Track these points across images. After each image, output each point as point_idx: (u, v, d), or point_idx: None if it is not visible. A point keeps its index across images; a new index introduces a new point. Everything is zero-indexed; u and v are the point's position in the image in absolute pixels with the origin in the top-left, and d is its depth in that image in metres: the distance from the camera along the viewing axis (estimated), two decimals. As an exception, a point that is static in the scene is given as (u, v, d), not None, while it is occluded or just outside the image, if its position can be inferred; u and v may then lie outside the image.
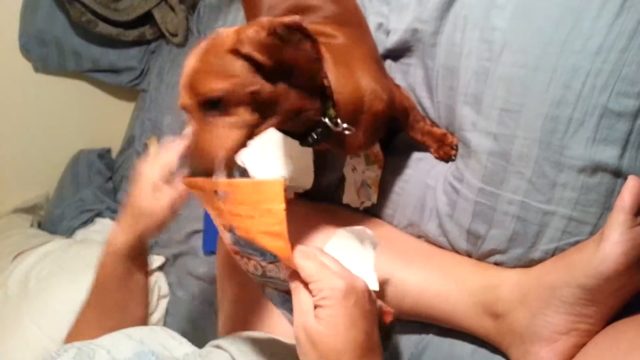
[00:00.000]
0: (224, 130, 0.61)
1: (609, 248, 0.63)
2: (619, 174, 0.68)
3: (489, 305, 0.77)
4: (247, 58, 0.59)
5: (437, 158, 0.92)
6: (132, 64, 2.10)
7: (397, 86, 0.91)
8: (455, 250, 0.88)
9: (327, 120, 0.71)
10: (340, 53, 0.74)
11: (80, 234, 1.84)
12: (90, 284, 0.84)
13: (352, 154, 0.98)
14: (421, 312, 0.85)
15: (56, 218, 1.96)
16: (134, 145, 2.07)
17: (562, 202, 0.72)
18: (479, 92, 0.81)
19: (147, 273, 0.89)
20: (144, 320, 0.88)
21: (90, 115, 2.21)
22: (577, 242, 0.72)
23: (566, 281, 0.68)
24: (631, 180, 0.65)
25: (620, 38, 0.67)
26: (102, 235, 1.78)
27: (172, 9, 1.84)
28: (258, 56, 0.59)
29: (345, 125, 0.72)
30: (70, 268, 1.43)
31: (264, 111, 0.63)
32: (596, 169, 0.69)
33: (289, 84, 0.64)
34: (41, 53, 1.95)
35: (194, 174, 0.62)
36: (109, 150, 2.28)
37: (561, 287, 0.68)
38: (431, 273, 0.85)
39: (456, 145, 0.88)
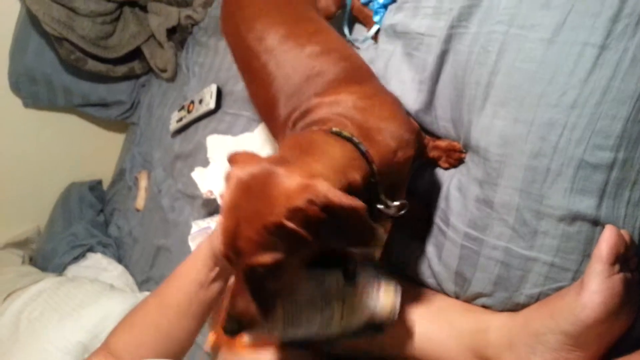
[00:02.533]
0: (269, 294, 0.61)
1: (588, 297, 0.65)
2: (597, 223, 0.71)
3: (479, 350, 0.79)
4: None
5: (447, 168, 0.92)
6: (122, 98, 2.11)
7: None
8: (444, 292, 0.90)
9: (381, 206, 0.70)
10: (368, 118, 0.73)
11: (71, 269, 1.83)
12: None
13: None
14: (410, 352, 0.86)
15: (48, 253, 1.95)
16: (124, 178, 2.08)
17: (543, 249, 0.74)
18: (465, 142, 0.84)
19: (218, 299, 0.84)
20: (191, 339, 0.83)
21: (81, 148, 2.22)
22: (560, 288, 0.74)
23: (550, 328, 0.69)
24: (607, 231, 0.67)
25: (594, 93, 0.70)
26: (93, 271, 1.78)
27: (161, 45, 1.87)
28: (303, 233, 0.56)
29: (397, 203, 0.71)
30: (61, 309, 1.43)
31: (316, 256, 0.63)
32: (575, 218, 0.71)
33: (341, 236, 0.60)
34: (31, 90, 1.97)
35: (227, 332, 0.62)
36: (100, 182, 2.28)
37: (545, 334, 0.70)
38: (422, 315, 0.86)
39: (464, 149, 0.89)
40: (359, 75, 0.83)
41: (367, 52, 1.07)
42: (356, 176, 0.64)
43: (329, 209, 0.56)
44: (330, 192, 0.56)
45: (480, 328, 0.80)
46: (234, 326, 0.61)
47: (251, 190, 0.58)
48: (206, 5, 1.79)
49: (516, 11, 0.79)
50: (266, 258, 0.57)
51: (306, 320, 0.72)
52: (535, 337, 0.71)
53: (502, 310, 0.81)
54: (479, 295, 0.83)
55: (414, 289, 0.93)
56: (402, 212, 0.72)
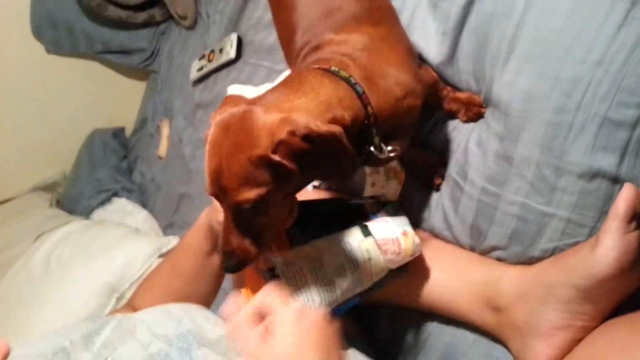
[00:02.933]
0: (258, 228, 0.63)
1: (603, 253, 0.66)
2: (616, 181, 0.70)
3: (491, 299, 0.81)
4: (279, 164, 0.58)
5: (465, 121, 0.92)
6: (143, 45, 2.11)
7: (422, 66, 0.91)
8: (459, 244, 0.92)
9: (372, 149, 0.70)
10: (374, 62, 0.73)
11: (97, 213, 1.90)
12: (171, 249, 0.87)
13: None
14: (424, 302, 0.89)
15: (74, 197, 2.02)
16: (146, 127, 2.11)
17: (561, 205, 0.75)
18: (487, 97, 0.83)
19: None
20: (206, 302, 0.88)
21: (104, 95, 2.25)
22: (575, 243, 0.75)
23: (562, 281, 0.71)
24: (626, 188, 0.67)
25: (622, 50, 0.68)
26: (119, 215, 1.84)
27: (181, -9, 1.84)
28: (289, 164, 0.57)
29: (390, 149, 0.72)
30: (89, 250, 1.50)
31: (298, 188, 0.65)
32: (595, 175, 0.71)
33: (322, 165, 0.62)
34: (53, 36, 1.98)
35: (227, 269, 0.64)
36: (122, 129, 2.32)
37: (557, 287, 0.71)
38: (436, 266, 0.89)
39: (484, 103, 0.88)
40: (377, 16, 0.81)
41: (396, 1, 1.04)
42: (345, 115, 0.64)
43: (310, 138, 0.57)
44: (308, 121, 0.57)
45: (493, 279, 0.82)
46: (232, 262, 0.63)
47: (231, 128, 0.59)
48: (226, -51, 1.75)
49: None
50: (251, 194, 0.58)
51: (339, 284, 0.74)
52: (548, 289, 0.73)
53: (516, 264, 0.83)
54: (494, 249, 0.85)
55: (429, 239, 0.95)
56: (392, 156, 0.73)
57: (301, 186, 0.66)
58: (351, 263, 0.75)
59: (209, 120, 0.63)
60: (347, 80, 0.68)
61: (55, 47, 2.01)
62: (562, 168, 0.74)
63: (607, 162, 0.70)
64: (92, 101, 2.21)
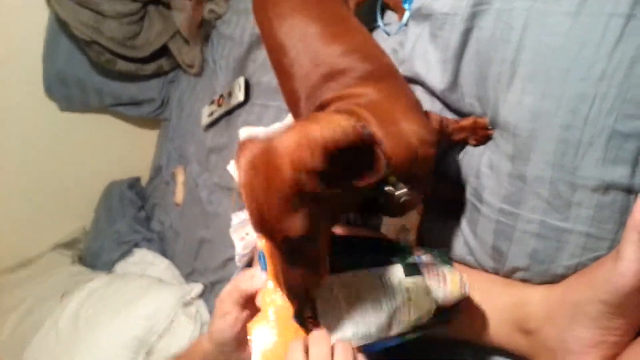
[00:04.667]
0: (311, 255, 0.65)
1: (625, 266, 0.68)
2: (630, 191, 0.73)
3: (520, 323, 0.82)
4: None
5: (475, 145, 0.95)
6: (152, 95, 2.20)
7: (428, 113, 0.94)
8: (483, 268, 0.93)
9: (389, 187, 0.72)
10: (383, 110, 0.76)
11: (120, 266, 1.94)
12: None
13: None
14: (455, 330, 0.90)
15: (95, 252, 2.07)
16: (161, 174, 2.17)
17: (578, 220, 0.77)
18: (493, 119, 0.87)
19: None
20: None
21: (117, 147, 2.33)
22: (597, 257, 0.76)
23: (589, 298, 0.72)
24: (641, 199, 0.69)
25: (622, 64, 0.71)
26: (140, 266, 1.89)
27: (186, 41, 1.93)
28: (316, 185, 0.58)
29: (404, 190, 0.73)
30: (114, 305, 1.54)
31: (343, 207, 0.68)
32: (608, 187, 0.74)
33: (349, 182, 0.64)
34: (65, 94, 2.08)
35: (293, 298, 0.67)
36: (138, 179, 2.39)
37: (585, 304, 0.73)
38: None
39: (491, 125, 0.91)
40: (380, 75, 0.84)
41: (397, 36, 1.09)
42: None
43: (329, 151, 0.58)
44: (322, 131, 0.59)
45: (520, 301, 0.83)
46: (299, 295, 0.65)
47: (258, 166, 0.61)
48: (228, -1, 1.84)
49: None
50: (297, 224, 0.59)
51: (375, 319, 0.73)
52: (576, 307, 0.74)
53: (540, 283, 0.84)
54: (516, 270, 0.87)
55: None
56: (408, 199, 0.73)
57: (345, 204, 0.68)
58: (389, 300, 0.74)
59: (235, 168, 0.66)
60: (355, 123, 0.68)
61: (68, 104, 2.10)
62: (576, 183, 0.76)
63: (619, 174, 0.73)
64: (107, 154, 2.29)
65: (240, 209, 1.48)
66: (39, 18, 1.96)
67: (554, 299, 0.79)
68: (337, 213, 0.69)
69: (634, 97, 0.71)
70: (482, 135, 0.92)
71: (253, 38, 1.60)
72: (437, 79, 0.96)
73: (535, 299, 0.82)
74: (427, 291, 0.77)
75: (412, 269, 0.78)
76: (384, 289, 0.75)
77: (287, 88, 0.91)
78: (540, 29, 0.80)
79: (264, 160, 0.61)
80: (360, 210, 0.78)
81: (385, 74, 0.87)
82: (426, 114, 0.89)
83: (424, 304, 0.76)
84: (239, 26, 1.70)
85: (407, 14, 1.08)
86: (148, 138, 2.37)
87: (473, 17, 0.90)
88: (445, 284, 0.78)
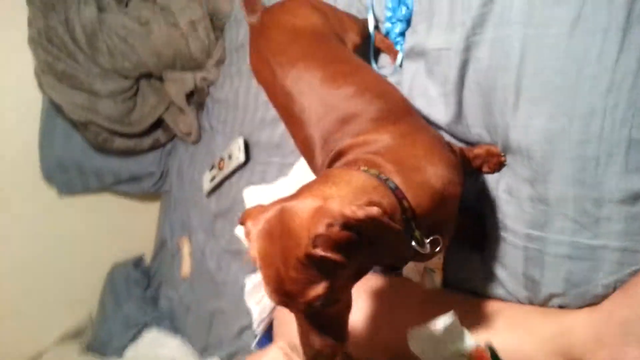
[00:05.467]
0: (333, 319, 0.64)
1: None
2: (660, 198, 0.71)
3: (565, 352, 0.78)
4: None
5: (490, 172, 0.94)
6: (152, 169, 2.21)
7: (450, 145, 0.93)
8: (516, 299, 0.90)
9: (414, 244, 0.68)
10: (403, 155, 0.75)
11: (131, 350, 1.88)
12: None
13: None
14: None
15: (104, 338, 2.01)
16: (166, 248, 2.14)
17: (610, 235, 0.75)
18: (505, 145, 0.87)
19: None
20: None
21: (119, 226, 2.31)
22: (636, 271, 0.74)
23: (636, 314, 0.69)
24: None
25: (628, 74, 0.72)
26: (151, 348, 1.82)
27: (181, 110, 1.96)
28: (333, 256, 0.57)
29: (431, 239, 0.71)
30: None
31: (362, 272, 0.66)
32: (636, 197, 0.72)
33: (373, 249, 0.62)
34: (64, 178, 2.08)
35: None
36: (142, 258, 2.35)
37: (632, 321, 0.70)
38: (503, 331, 0.86)
39: (503, 151, 0.90)
40: (394, 114, 0.84)
41: (392, 77, 1.11)
42: (382, 201, 0.65)
43: (350, 225, 0.57)
44: (344, 208, 0.58)
45: (562, 330, 0.80)
46: (320, 354, 0.63)
47: (273, 234, 0.61)
48: (219, 64, 1.90)
49: (530, 11, 0.83)
50: (318, 290, 0.59)
51: None
52: (624, 326, 0.71)
53: (580, 307, 0.81)
54: (553, 296, 0.84)
55: (484, 303, 0.93)
56: (438, 249, 0.72)
57: (364, 270, 0.66)
58: None
59: (246, 238, 0.65)
60: (377, 177, 0.68)
61: (67, 188, 2.10)
62: (601, 198, 0.75)
63: (644, 182, 0.72)
64: (108, 235, 2.27)
65: (253, 271, 1.45)
66: (33, 104, 1.98)
67: (600, 321, 0.76)
68: (360, 274, 0.66)
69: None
70: (495, 162, 0.92)
71: (248, 98, 1.63)
72: (441, 112, 0.97)
73: (578, 325, 0.78)
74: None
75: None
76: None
77: (299, 135, 0.90)
78: (538, 53, 0.82)
79: (281, 227, 0.60)
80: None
81: (401, 112, 0.86)
82: (448, 146, 0.88)
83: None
84: (232, 89, 1.73)
85: (400, 56, 1.10)
86: (150, 212, 2.35)
87: (468, 49, 0.92)
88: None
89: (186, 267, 1.92)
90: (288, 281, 0.59)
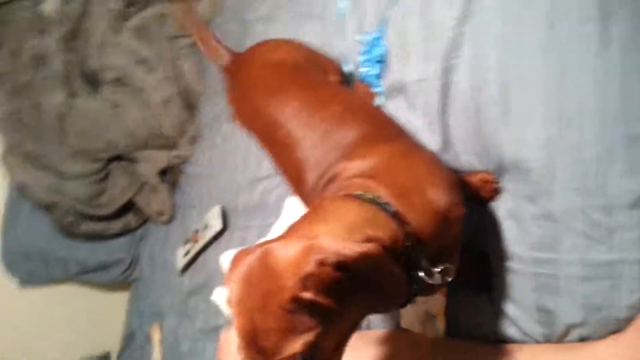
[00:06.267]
0: None
1: None
2: (672, 196, 0.67)
3: (593, 387, 0.69)
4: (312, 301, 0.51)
5: (487, 200, 0.88)
6: (121, 256, 2.09)
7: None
8: (532, 338, 0.81)
9: (422, 274, 0.63)
10: (401, 176, 0.70)
11: None
12: None
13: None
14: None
15: None
16: (134, 341, 1.98)
17: (625, 246, 0.70)
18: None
19: None
20: None
21: (84, 319, 2.15)
22: (661, 285, 0.67)
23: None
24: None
25: (615, 70, 0.71)
26: None
27: (154, 188, 1.90)
28: (323, 300, 0.51)
29: (440, 269, 0.65)
30: None
31: (353, 324, 0.57)
32: (646, 198, 0.68)
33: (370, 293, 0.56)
34: (26, 268, 1.96)
35: None
36: (108, 355, 2.17)
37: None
38: None
39: (495, 178, 0.86)
40: (387, 134, 0.82)
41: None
42: (379, 234, 0.58)
43: (343, 264, 0.51)
44: (337, 245, 0.52)
45: (586, 364, 0.71)
46: None
47: (253, 279, 0.53)
48: (193, 142, 1.87)
49: (504, 19, 0.84)
50: (296, 345, 0.50)
51: None
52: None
53: (604, 336, 0.73)
54: (571, 328, 0.75)
55: (496, 348, 0.83)
56: (449, 278, 0.66)
57: (355, 320, 0.57)
58: None
59: (226, 285, 0.57)
60: (374, 202, 0.63)
61: (29, 279, 1.97)
62: (609, 204, 0.71)
63: (652, 179, 0.68)
64: (72, 329, 2.10)
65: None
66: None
67: (627, 349, 0.69)
68: (351, 327, 0.57)
69: (636, 98, 0.70)
70: (489, 189, 0.87)
71: (224, 166, 1.59)
72: (428, 142, 0.94)
73: (603, 356, 0.70)
74: None
75: None
76: None
77: (287, 162, 0.87)
78: (518, 61, 0.81)
79: (262, 271, 0.53)
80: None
81: (393, 131, 0.84)
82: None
83: None
84: (205, 161, 1.71)
85: (381, 97, 1.09)
86: (117, 303, 2.20)
87: (446, 74, 0.92)
88: None
89: (157, 356, 1.76)
90: (263, 334, 0.51)
